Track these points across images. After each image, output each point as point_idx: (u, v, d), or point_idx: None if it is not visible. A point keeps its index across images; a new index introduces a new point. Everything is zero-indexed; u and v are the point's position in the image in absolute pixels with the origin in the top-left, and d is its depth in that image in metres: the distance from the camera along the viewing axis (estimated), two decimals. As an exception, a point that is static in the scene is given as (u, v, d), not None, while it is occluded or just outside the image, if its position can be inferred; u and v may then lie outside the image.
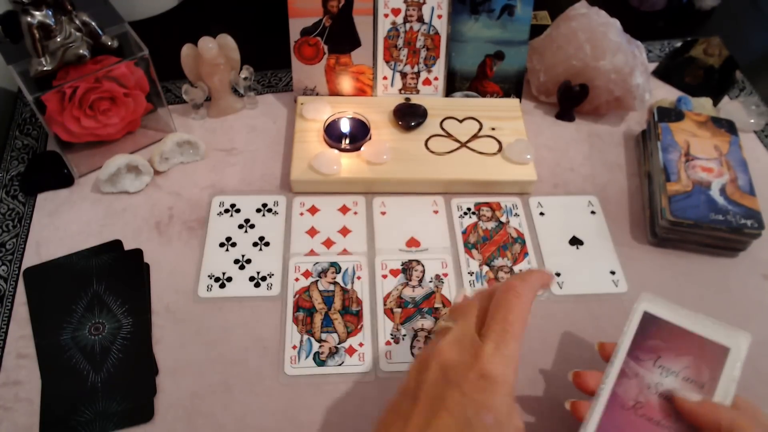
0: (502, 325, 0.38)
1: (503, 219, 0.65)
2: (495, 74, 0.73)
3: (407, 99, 0.73)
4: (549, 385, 0.53)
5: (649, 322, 0.46)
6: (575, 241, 0.64)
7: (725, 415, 0.40)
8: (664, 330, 0.45)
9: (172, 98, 0.76)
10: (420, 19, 0.69)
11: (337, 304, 0.58)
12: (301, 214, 0.65)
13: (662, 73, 0.81)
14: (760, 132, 0.75)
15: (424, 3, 0.69)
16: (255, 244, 0.62)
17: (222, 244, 0.62)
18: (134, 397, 0.51)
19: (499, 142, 0.69)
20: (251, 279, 0.59)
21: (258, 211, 0.65)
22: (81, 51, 0.60)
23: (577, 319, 0.58)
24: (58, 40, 0.59)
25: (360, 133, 0.68)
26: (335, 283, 0.59)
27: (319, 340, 0.55)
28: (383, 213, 0.65)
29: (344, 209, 0.65)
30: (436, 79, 0.73)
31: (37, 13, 0.57)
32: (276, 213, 0.65)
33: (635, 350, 0.45)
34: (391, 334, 0.56)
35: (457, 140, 0.69)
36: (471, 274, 0.60)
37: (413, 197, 0.67)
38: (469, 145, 0.69)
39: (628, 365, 0.44)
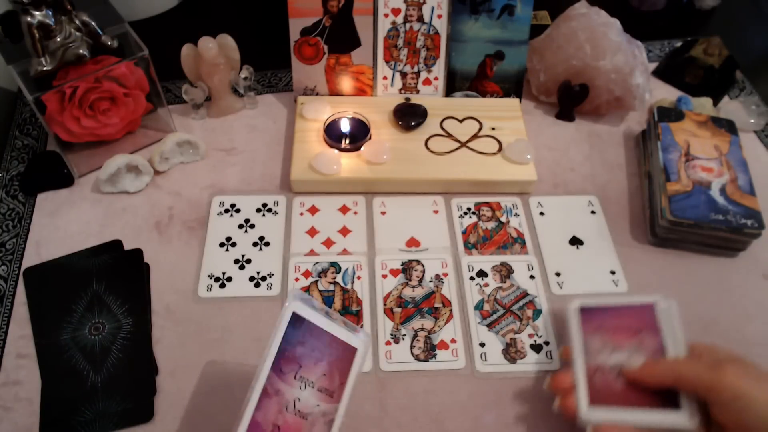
0: None
1: (503, 219, 0.65)
2: (495, 74, 0.73)
3: (407, 99, 0.73)
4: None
5: (297, 323, 0.40)
6: (575, 241, 0.64)
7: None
8: (311, 333, 0.40)
9: (172, 98, 0.76)
10: (420, 19, 0.69)
11: (337, 304, 0.58)
12: (301, 214, 0.65)
13: (662, 73, 0.81)
14: (760, 132, 0.75)
15: (424, 3, 0.69)
16: (255, 244, 0.62)
17: (222, 244, 0.62)
18: (134, 397, 0.51)
19: (499, 142, 0.69)
20: (251, 279, 0.59)
21: (258, 211, 0.65)
22: (81, 51, 0.60)
23: (577, 319, 0.58)
24: (58, 40, 0.59)
25: (360, 133, 0.68)
26: (335, 283, 0.59)
27: (319, 340, 0.55)
28: (383, 213, 0.65)
29: (344, 209, 0.65)
30: (436, 79, 0.73)
31: (37, 13, 0.57)
32: (276, 213, 0.65)
33: (278, 362, 0.39)
34: (391, 334, 0.56)
35: (457, 140, 0.69)
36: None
37: (413, 197, 0.67)
38: (469, 145, 0.69)
39: (270, 382, 0.39)
